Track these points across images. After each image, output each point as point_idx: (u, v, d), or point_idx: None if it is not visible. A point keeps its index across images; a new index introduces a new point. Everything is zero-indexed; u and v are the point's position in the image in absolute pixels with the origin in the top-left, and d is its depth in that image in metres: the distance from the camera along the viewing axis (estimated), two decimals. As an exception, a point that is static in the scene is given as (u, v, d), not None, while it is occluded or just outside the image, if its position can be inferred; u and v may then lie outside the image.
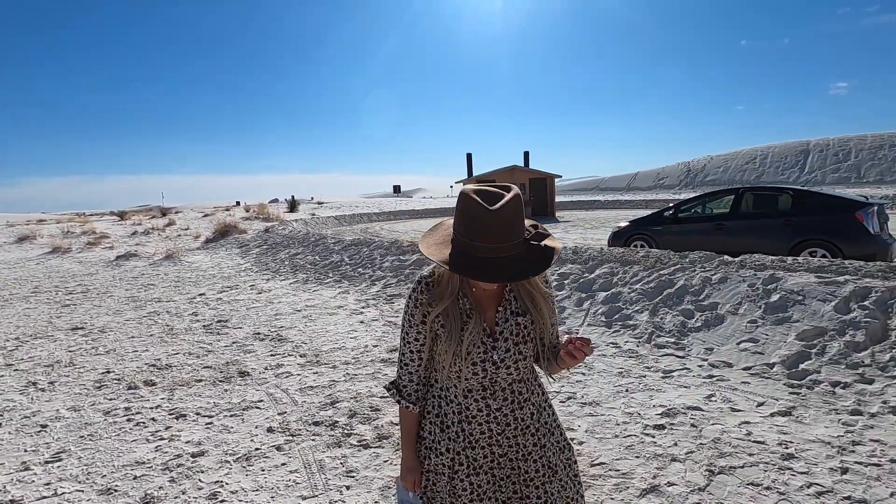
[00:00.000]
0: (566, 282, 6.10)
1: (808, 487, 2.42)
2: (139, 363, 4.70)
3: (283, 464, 2.86)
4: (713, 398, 3.44)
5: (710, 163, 68.57)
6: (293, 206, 36.01)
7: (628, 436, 3.00)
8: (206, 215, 29.81)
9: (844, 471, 2.52)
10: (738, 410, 3.25)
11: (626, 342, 4.65)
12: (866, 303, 4.18)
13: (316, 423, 3.33)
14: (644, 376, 3.91)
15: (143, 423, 3.44)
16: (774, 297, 4.59)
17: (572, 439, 2.98)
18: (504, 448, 1.34)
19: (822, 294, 4.45)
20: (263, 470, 2.80)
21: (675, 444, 2.87)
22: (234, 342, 5.30)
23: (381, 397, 3.72)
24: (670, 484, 2.50)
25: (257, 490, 2.61)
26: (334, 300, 7.24)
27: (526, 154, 28.36)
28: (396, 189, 71.39)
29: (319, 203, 53.27)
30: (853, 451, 2.69)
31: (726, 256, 5.75)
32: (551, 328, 1.37)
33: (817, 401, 3.31)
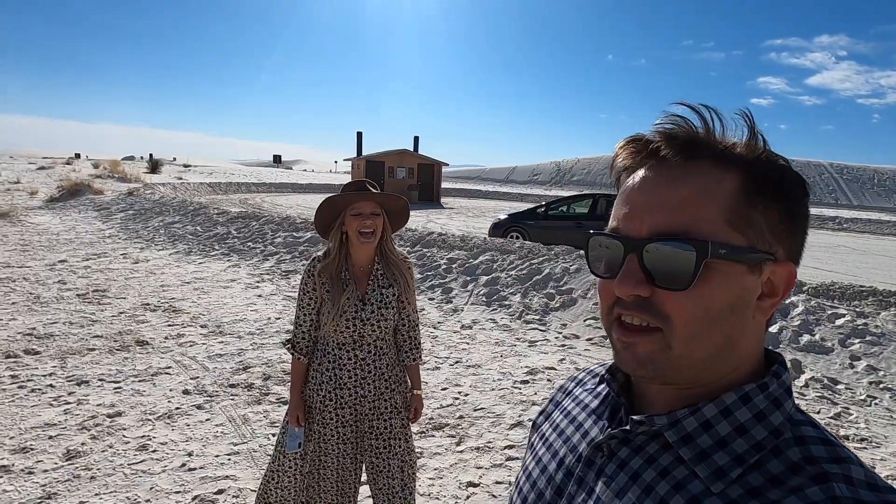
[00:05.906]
0: (454, 266, 6.89)
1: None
2: (10, 332, 4.37)
3: (208, 419, 3.13)
4: (564, 361, 4.45)
5: (577, 164, 76.20)
6: (155, 166, 32.19)
7: (502, 389, 3.83)
8: (41, 168, 25.36)
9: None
10: (581, 370, 4.28)
11: (502, 318, 5.57)
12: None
13: (232, 386, 3.61)
14: (515, 345, 4.82)
15: (40, 389, 3.37)
16: (613, 286, 5.85)
17: (460, 393, 3.71)
18: (366, 390, 1.76)
19: (644, 284, 5.78)
20: (188, 425, 3.06)
21: (536, 394, 3.76)
22: (120, 312, 5.12)
23: (291, 363, 4.08)
24: (530, 420, 3.34)
25: (187, 440, 2.88)
26: (225, 273, 7.15)
27: (416, 139, 28.98)
28: (277, 159, 66.94)
29: (186, 166, 48.03)
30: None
31: (583, 251, 7.03)
32: (408, 303, 1.82)
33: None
